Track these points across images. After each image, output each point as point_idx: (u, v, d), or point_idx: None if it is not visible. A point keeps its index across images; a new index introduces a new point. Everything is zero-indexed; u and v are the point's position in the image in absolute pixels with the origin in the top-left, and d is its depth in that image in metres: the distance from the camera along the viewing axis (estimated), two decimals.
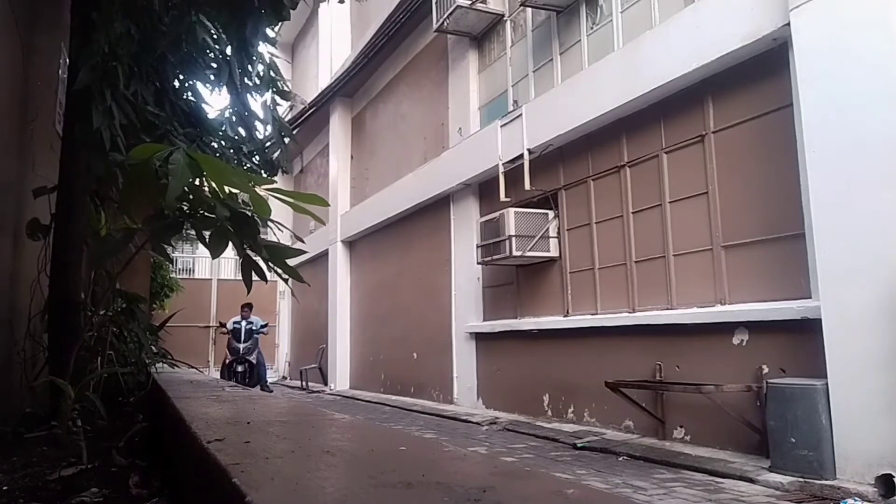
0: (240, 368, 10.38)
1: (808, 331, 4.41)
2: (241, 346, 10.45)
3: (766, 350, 4.86)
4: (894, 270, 3.87)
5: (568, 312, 7.13)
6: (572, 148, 7.13)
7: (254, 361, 10.57)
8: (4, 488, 1.26)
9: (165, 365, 3.13)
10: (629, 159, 6.40)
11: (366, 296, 12.85)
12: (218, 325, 11.21)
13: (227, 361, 10.57)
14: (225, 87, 2.93)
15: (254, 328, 10.65)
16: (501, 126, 7.93)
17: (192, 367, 3.35)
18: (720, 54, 5.18)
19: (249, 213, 1.74)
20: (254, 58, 2.98)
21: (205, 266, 19.54)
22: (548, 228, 7.29)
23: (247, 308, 10.71)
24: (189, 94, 3.12)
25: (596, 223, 6.81)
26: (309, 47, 17.93)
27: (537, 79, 7.93)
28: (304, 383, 14.12)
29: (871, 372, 3.91)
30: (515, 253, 7.07)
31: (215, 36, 2.87)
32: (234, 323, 10.67)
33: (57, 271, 2.14)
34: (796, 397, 4.20)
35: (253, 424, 1.18)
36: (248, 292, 1.97)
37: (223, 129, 3.17)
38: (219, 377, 8.73)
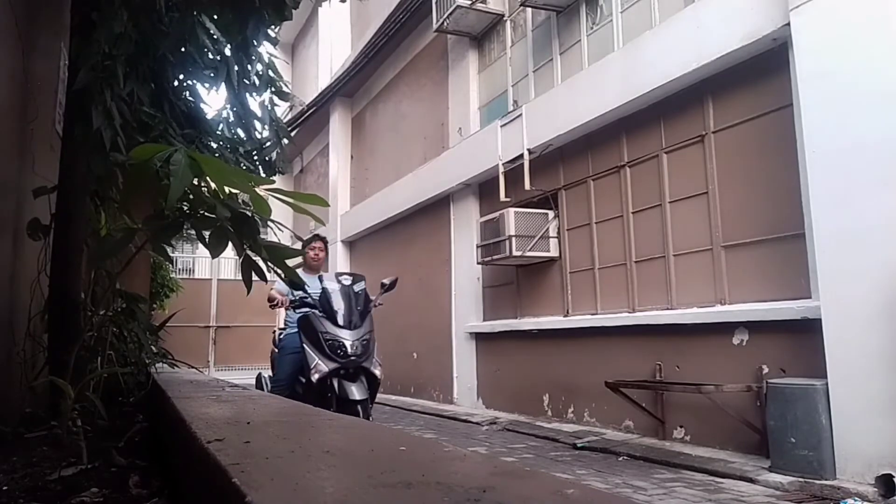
0: (356, 393, 4.13)
1: (808, 331, 4.41)
2: (350, 335, 4.26)
3: (766, 350, 4.86)
4: (894, 270, 3.87)
5: (568, 312, 7.12)
6: (572, 148, 7.13)
7: (377, 374, 4.41)
8: (4, 488, 1.26)
9: (165, 365, 3.13)
10: (629, 159, 6.40)
11: None
12: (274, 293, 4.72)
13: (320, 376, 4.17)
14: (223, 85, 2.93)
15: (368, 293, 4.63)
16: (501, 126, 7.93)
17: (192, 367, 3.35)
18: (720, 54, 5.18)
19: (249, 214, 1.75)
20: (253, 57, 2.98)
21: (205, 266, 19.53)
22: (548, 228, 7.29)
23: (319, 243, 5.01)
24: (188, 94, 3.12)
25: (596, 223, 6.81)
26: (309, 47, 17.93)
27: (537, 79, 7.93)
28: None
29: (871, 372, 3.91)
30: (515, 253, 7.07)
31: (215, 36, 2.87)
32: (327, 282, 4.46)
33: (57, 271, 2.14)
34: (796, 397, 4.20)
35: (253, 424, 1.18)
36: (248, 293, 1.97)
37: (220, 128, 3.17)
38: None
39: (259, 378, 5.15)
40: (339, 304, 4.19)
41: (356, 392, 4.00)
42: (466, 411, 8.34)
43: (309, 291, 4.20)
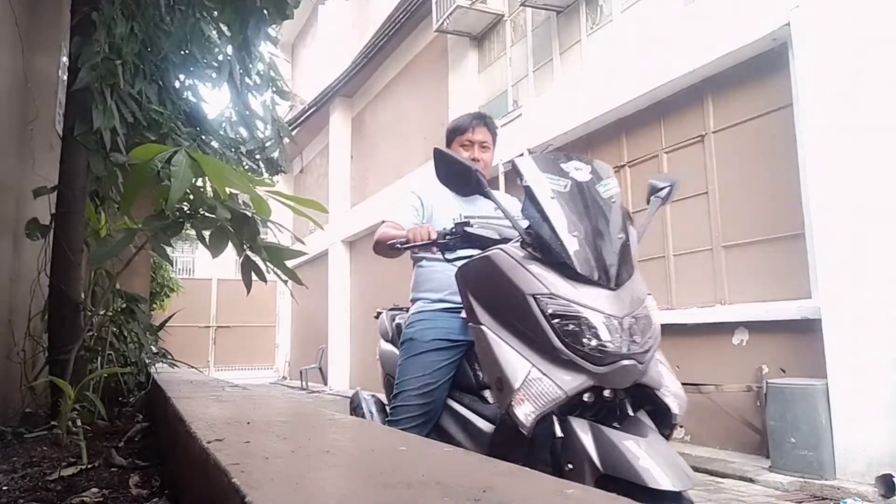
0: (651, 464, 1.34)
1: (808, 331, 4.41)
2: (609, 301, 1.51)
3: (766, 350, 4.85)
4: (894, 270, 3.87)
5: None
6: (572, 148, 7.12)
7: (670, 402, 1.54)
8: (4, 488, 1.26)
9: (165, 365, 3.13)
10: (629, 159, 6.40)
11: (366, 296, 12.84)
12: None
13: (540, 412, 1.44)
14: (226, 85, 2.93)
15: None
16: (501, 126, 7.92)
17: (192, 367, 3.35)
18: (720, 54, 5.18)
19: (250, 214, 1.75)
20: (254, 56, 2.98)
21: (205, 266, 19.56)
22: None
23: (483, 131, 2.45)
24: (189, 93, 3.12)
25: None
26: (309, 47, 17.93)
27: (537, 79, 7.93)
28: (304, 383, 14.12)
29: (870, 372, 3.91)
30: None
31: (216, 35, 2.88)
32: (531, 178, 1.68)
33: (57, 271, 2.14)
34: (796, 397, 4.20)
35: (253, 424, 1.18)
36: (248, 293, 1.98)
37: (223, 128, 3.18)
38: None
39: (357, 400, 2.80)
40: (571, 226, 1.63)
41: (649, 460, 1.36)
42: None
43: (472, 217, 2.01)
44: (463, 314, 2.03)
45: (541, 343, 1.49)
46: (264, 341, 19.03)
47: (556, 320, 1.48)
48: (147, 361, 2.74)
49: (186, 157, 1.56)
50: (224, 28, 2.78)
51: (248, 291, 1.93)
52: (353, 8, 14.18)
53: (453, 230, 1.87)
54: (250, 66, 2.99)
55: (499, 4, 8.62)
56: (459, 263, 1.85)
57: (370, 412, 2.69)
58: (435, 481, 0.69)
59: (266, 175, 3.36)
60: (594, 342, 1.45)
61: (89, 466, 1.44)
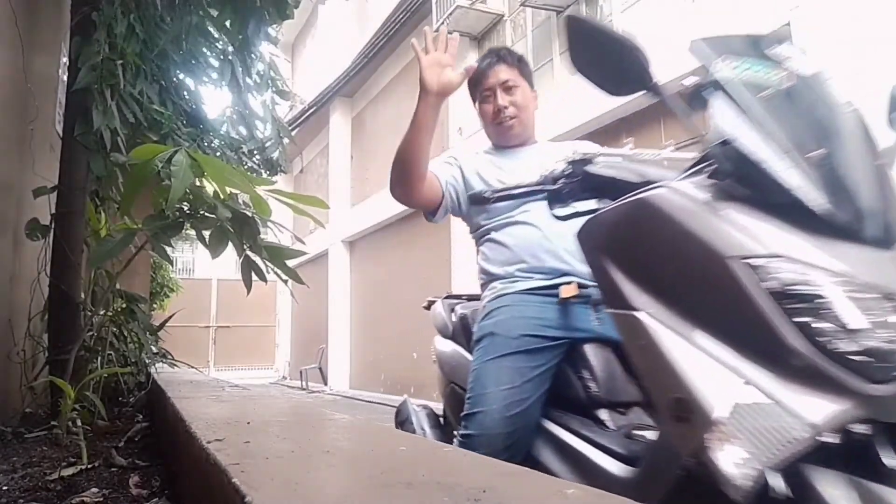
0: None
1: None
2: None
3: None
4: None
5: None
6: None
7: None
8: (4, 488, 1.26)
9: (165, 365, 3.13)
10: None
11: (366, 296, 12.85)
12: None
13: (783, 461, 0.79)
14: (226, 86, 2.94)
15: None
16: None
17: (192, 367, 3.35)
18: None
19: (250, 214, 1.75)
20: (254, 56, 2.99)
21: (205, 266, 19.57)
22: None
23: (500, 69, 1.89)
24: (186, 93, 3.13)
25: None
26: (309, 47, 17.94)
27: (537, 79, 7.92)
28: (304, 383, 14.12)
29: None
30: None
31: (217, 35, 2.88)
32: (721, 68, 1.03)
33: (57, 271, 2.15)
34: None
35: (253, 424, 1.18)
36: (248, 293, 1.98)
37: (224, 128, 3.19)
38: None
39: (406, 413, 2.23)
40: (798, 144, 0.96)
41: None
42: None
43: (588, 154, 1.30)
44: (563, 295, 1.50)
45: (760, 342, 0.86)
46: (264, 341, 19.04)
47: (787, 302, 0.83)
48: (147, 361, 2.74)
49: (186, 157, 1.56)
50: (224, 27, 2.78)
51: (248, 291, 1.92)
52: (353, 8, 14.19)
53: (567, 171, 1.24)
54: (250, 66, 2.99)
55: (499, 4, 8.62)
56: (574, 223, 1.19)
57: (422, 428, 2.08)
58: (435, 481, 0.69)
59: (266, 175, 3.37)
60: (860, 341, 0.80)
61: (89, 466, 1.44)
